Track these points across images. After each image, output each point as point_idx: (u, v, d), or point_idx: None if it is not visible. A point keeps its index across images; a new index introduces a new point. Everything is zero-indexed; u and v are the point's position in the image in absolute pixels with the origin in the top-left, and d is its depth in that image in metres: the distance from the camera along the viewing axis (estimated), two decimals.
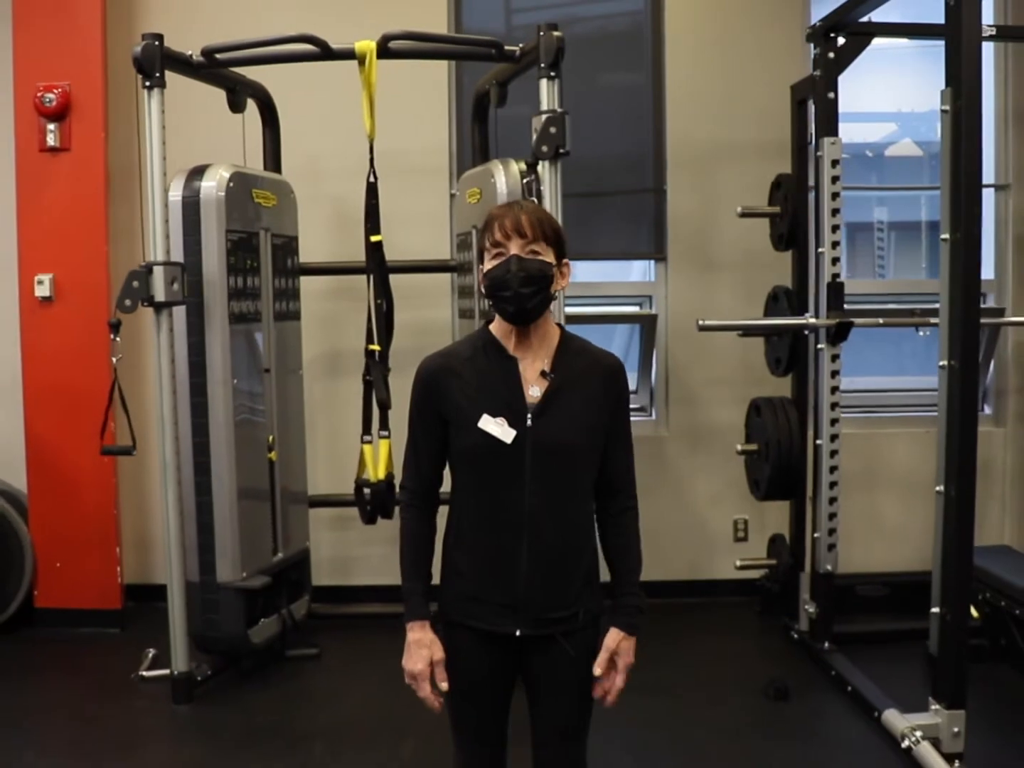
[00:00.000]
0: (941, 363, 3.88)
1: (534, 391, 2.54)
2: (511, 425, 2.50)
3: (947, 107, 3.74)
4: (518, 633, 2.57)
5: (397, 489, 2.64)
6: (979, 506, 6.11)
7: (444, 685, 2.59)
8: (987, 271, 6.18)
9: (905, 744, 3.95)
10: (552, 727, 2.66)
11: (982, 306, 6.09)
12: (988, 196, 6.17)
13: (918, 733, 3.94)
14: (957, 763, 3.87)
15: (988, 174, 6.16)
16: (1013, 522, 6.16)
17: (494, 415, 2.50)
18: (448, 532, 2.65)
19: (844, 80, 5.13)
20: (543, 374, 2.55)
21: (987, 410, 6.31)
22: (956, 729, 3.89)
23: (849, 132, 6.80)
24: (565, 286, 2.62)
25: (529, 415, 2.51)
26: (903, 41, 6.38)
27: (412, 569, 2.65)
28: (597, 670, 2.61)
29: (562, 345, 2.60)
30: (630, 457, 2.66)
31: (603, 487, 2.63)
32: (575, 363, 2.58)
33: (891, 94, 6.73)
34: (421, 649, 2.58)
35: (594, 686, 2.63)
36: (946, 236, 3.79)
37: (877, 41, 5.15)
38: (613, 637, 2.60)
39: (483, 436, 2.50)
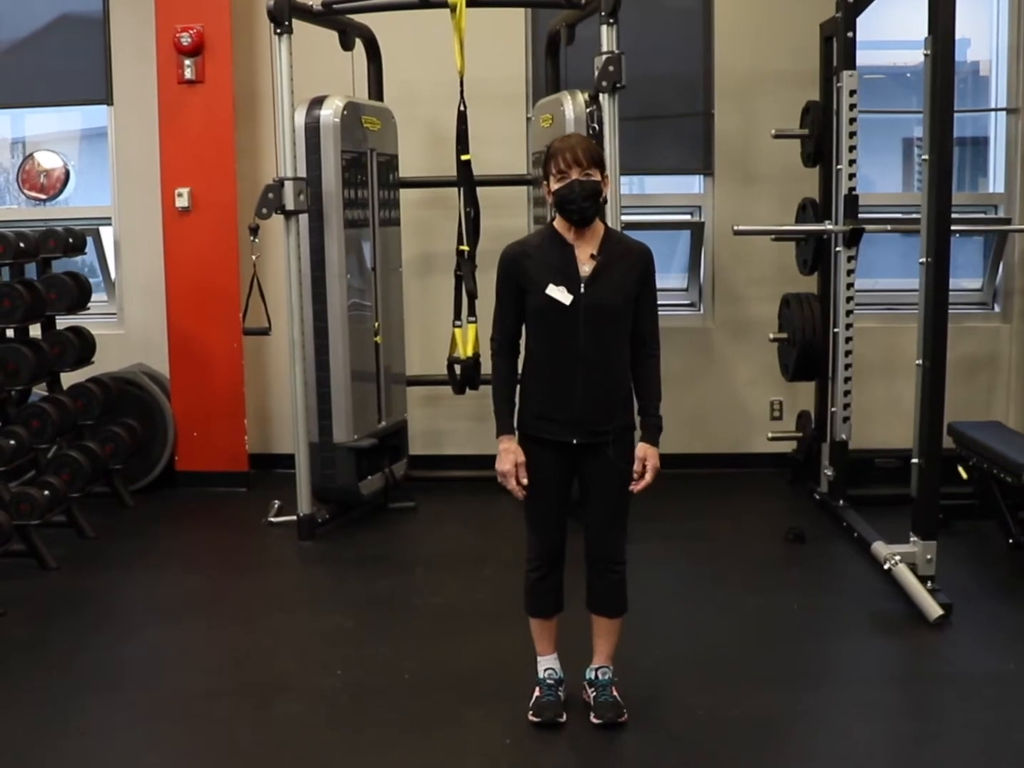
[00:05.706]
0: (920, 260, 4.59)
1: (585, 268, 3.46)
2: (569, 291, 3.44)
3: (928, 52, 4.45)
4: (575, 441, 3.52)
5: (490, 342, 3.61)
6: (987, 393, 6.99)
7: (524, 480, 3.52)
8: (998, 186, 6.88)
9: (887, 566, 4.77)
10: (600, 515, 3.60)
11: (991, 216, 6.84)
12: (1001, 119, 6.81)
13: (897, 557, 4.75)
14: (929, 584, 4.64)
15: (1001, 99, 6.78)
16: (1016, 406, 6.80)
17: (557, 285, 3.44)
18: (524, 368, 3.59)
19: (894, 9, 5.72)
20: (592, 256, 3.47)
21: (996, 308, 6.92)
22: (929, 556, 4.67)
23: (892, 57, 7.43)
24: (607, 191, 3.53)
25: (582, 284, 3.45)
26: None
27: (501, 398, 3.57)
28: (635, 475, 3.52)
29: (605, 237, 3.52)
30: (655, 319, 3.58)
31: (635, 339, 3.55)
32: (615, 249, 3.51)
33: None
34: (508, 455, 3.53)
35: (631, 483, 3.53)
36: (926, 157, 4.51)
37: None
38: (642, 449, 3.55)
39: (549, 299, 3.44)
